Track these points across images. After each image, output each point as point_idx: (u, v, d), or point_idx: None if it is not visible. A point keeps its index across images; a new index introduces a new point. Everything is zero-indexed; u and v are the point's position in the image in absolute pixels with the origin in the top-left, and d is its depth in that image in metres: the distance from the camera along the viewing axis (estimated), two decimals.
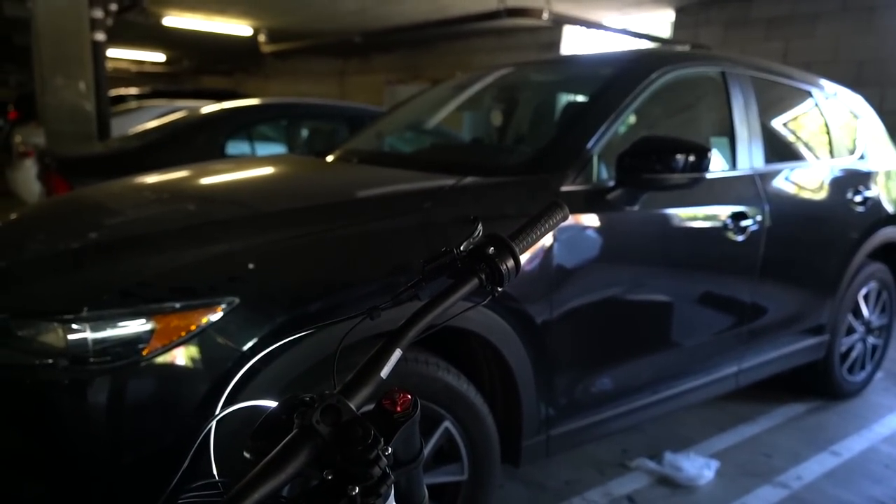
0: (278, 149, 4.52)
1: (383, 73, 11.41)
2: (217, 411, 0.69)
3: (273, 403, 0.66)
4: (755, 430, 2.80)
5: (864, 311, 3.12)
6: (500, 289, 0.77)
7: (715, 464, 2.43)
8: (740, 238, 2.30)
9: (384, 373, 0.66)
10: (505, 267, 0.75)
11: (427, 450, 1.60)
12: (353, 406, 0.62)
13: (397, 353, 0.67)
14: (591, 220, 1.87)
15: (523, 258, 1.65)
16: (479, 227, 0.82)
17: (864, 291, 3.07)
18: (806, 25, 5.60)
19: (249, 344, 1.30)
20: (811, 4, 5.55)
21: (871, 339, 3.23)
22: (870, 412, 3.08)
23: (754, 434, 2.76)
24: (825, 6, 5.47)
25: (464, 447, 1.67)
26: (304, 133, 4.86)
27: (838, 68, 5.35)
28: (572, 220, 1.82)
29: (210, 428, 0.68)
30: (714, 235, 2.24)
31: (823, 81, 3.12)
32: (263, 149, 4.35)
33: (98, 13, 5.32)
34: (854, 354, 3.14)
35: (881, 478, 2.47)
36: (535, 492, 2.24)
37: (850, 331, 3.08)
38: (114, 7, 5.60)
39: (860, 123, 3.21)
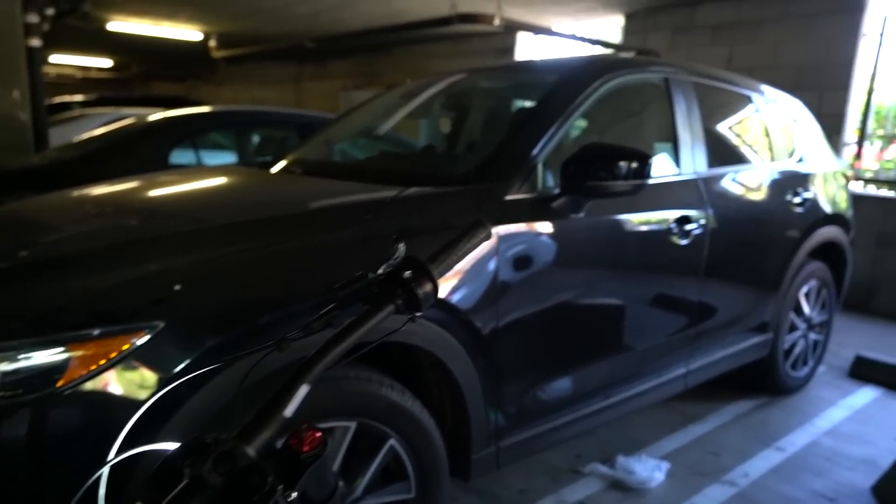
0: (227, 158, 4.41)
1: (339, 79, 11.30)
2: (110, 458, 0.65)
3: (173, 446, 0.62)
4: (704, 429, 2.86)
5: (806, 308, 3.22)
6: (418, 314, 0.74)
7: (665, 465, 2.46)
8: (685, 242, 2.34)
9: (289, 412, 0.63)
10: (422, 292, 0.72)
11: (372, 470, 1.56)
12: (251, 451, 0.58)
13: (304, 389, 0.64)
14: (536, 228, 1.87)
15: (463, 267, 1.64)
16: (401, 248, 0.79)
17: (804, 289, 3.17)
18: (749, 31, 5.78)
19: (177, 370, 1.24)
20: (754, 11, 5.73)
21: (812, 336, 3.34)
22: (812, 407, 3.18)
23: (704, 433, 2.82)
24: (767, 13, 5.66)
25: (410, 465, 1.64)
26: (255, 141, 4.75)
27: (779, 73, 5.54)
28: (518, 228, 1.81)
29: (101, 475, 0.64)
30: (659, 240, 2.27)
31: (763, 86, 3.21)
32: (211, 158, 4.23)
33: (33, 18, 5.09)
34: (797, 351, 3.24)
35: (822, 471, 2.54)
36: (488, 502, 2.23)
37: (793, 328, 3.18)
38: (51, 12, 5.36)
39: (799, 127, 3.31)
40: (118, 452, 0.66)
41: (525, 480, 2.36)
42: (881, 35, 5.16)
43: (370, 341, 0.75)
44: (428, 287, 0.73)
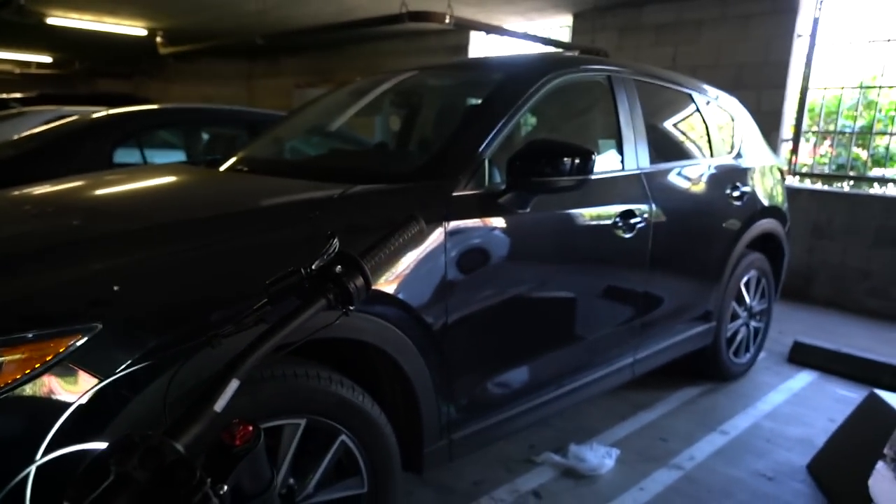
0: (175, 157, 4.29)
1: (292, 77, 11.13)
2: (38, 456, 0.64)
3: (101, 446, 0.62)
4: (653, 416, 2.96)
5: (746, 297, 3.37)
6: (350, 308, 0.75)
7: (616, 452, 2.54)
8: (629, 235, 2.41)
9: (219, 406, 0.63)
10: (353, 286, 0.74)
11: (323, 466, 1.57)
12: (180, 446, 0.59)
13: (234, 384, 0.65)
14: (484, 223, 1.90)
15: (410, 263, 1.65)
16: (335, 243, 0.80)
17: (745, 279, 3.31)
18: (691, 32, 5.98)
19: (119, 372, 1.21)
20: (694, 12, 5.93)
21: (753, 324, 3.49)
22: (754, 391, 3.33)
23: (652, 420, 2.92)
24: (707, 14, 5.86)
25: (362, 460, 1.65)
26: (205, 139, 4.64)
27: (720, 72, 5.75)
28: (466, 224, 1.84)
29: (28, 474, 0.63)
30: (604, 233, 2.34)
31: (703, 85, 3.33)
32: (158, 157, 4.12)
33: None
34: (739, 338, 3.38)
35: (764, 452, 2.67)
36: (443, 495, 2.25)
37: (735, 316, 3.32)
38: None
39: (737, 124, 3.45)
40: (45, 453, 0.65)
41: (480, 472, 2.40)
42: (813, 36, 5.42)
43: (305, 338, 0.76)
44: (359, 281, 0.74)
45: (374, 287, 0.79)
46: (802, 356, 3.76)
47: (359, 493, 1.67)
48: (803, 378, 3.55)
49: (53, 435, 0.71)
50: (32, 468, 0.64)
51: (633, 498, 2.29)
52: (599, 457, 2.48)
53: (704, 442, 2.73)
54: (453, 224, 1.80)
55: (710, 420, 2.94)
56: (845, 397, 3.25)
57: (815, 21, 5.40)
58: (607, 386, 2.57)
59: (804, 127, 5.63)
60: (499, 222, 1.94)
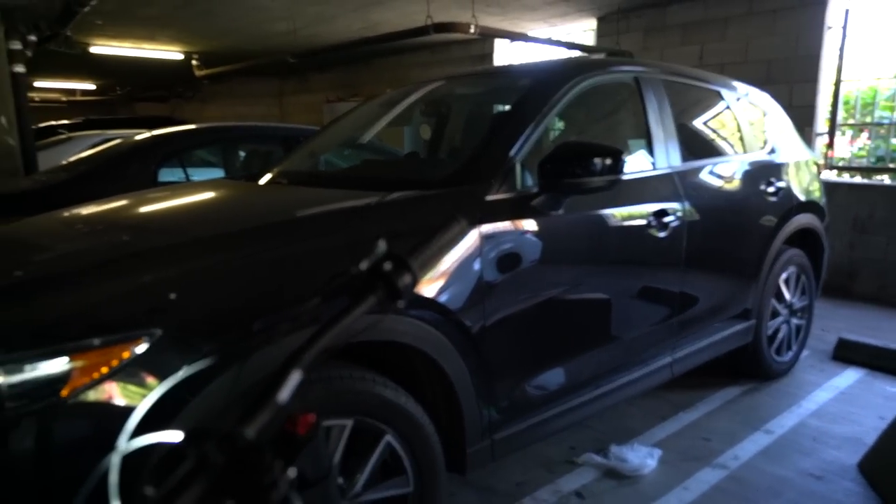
0: (214, 173, 4.45)
1: (321, 92, 11.37)
2: (119, 447, 0.70)
3: (178, 437, 0.67)
4: (694, 416, 2.93)
5: (786, 294, 3.31)
6: (399, 303, 0.80)
7: (658, 452, 2.52)
8: (663, 234, 2.41)
9: (282, 396, 0.68)
10: (401, 283, 0.78)
11: (370, 465, 1.62)
12: (249, 433, 0.64)
13: (296, 376, 0.69)
14: (517, 226, 1.93)
15: (447, 267, 1.70)
16: (381, 244, 0.85)
17: (784, 276, 3.26)
18: (717, 29, 5.92)
19: (177, 375, 1.29)
20: (720, 9, 5.87)
21: (794, 321, 3.42)
22: (799, 389, 3.26)
23: (694, 420, 2.89)
24: (733, 10, 5.79)
25: (407, 460, 1.69)
26: (241, 156, 4.80)
27: (749, 68, 5.67)
28: (500, 227, 1.88)
29: (111, 464, 0.69)
30: (637, 233, 2.35)
31: (733, 82, 3.31)
32: (198, 174, 4.28)
33: (16, 45, 5.13)
34: (780, 336, 3.32)
35: (810, 451, 2.62)
36: (486, 496, 2.28)
37: (775, 314, 3.26)
38: (33, 38, 5.40)
39: (769, 119, 3.41)
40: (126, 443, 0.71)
41: (522, 473, 2.42)
42: (844, 27, 5.30)
43: (355, 333, 0.81)
44: (407, 278, 0.79)
45: (415, 291, 0.83)
46: (847, 353, 3.67)
47: (405, 492, 1.71)
48: (850, 376, 3.46)
49: (133, 428, 0.77)
50: (117, 457, 0.70)
51: (678, 497, 2.27)
52: (641, 457, 2.47)
53: (748, 441, 2.69)
54: (487, 227, 1.84)
55: (753, 419, 2.90)
56: (895, 394, 3.17)
57: (847, 12, 5.28)
58: (646, 386, 2.56)
59: (839, 120, 5.50)
60: (532, 224, 1.97)
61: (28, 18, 5.13)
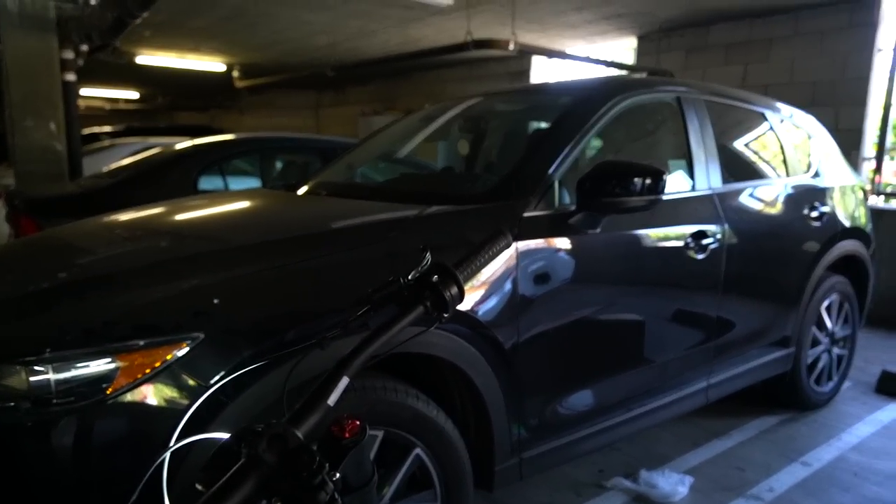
0: (252, 183, 4.55)
1: (358, 105, 11.55)
2: (171, 444, 0.72)
3: (226, 436, 0.68)
4: (729, 444, 2.85)
5: (828, 322, 3.21)
6: (445, 315, 0.80)
7: (689, 479, 2.46)
8: (701, 256, 2.37)
9: (331, 400, 0.69)
10: (448, 294, 0.79)
11: (399, 478, 1.61)
12: (300, 434, 0.65)
13: (344, 381, 0.70)
14: (554, 243, 1.92)
15: (483, 282, 1.70)
16: (428, 256, 0.86)
17: (826, 303, 3.16)
18: (762, 50, 5.84)
19: (216, 378, 1.31)
20: (765, 30, 5.79)
21: (836, 350, 3.31)
22: (839, 422, 3.15)
23: (728, 448, 2.81)
24: (778, 31, 5.71)
25: (436, 474, 1.68)
26: (278, 166, 4.90)
27: (794, 90, 5.57)
28: (536, 244, 1.87)
29: (164, 460, 0.70)
30: (675, 254, 2.31)
31: (777, 103, 3.25)
32: (237, 183, 4.37)
33: (69, 54, 5.34)
34: (820, 365, 3.22)
35: (850, 486, 2.52)
36: None
37: (815, 342, 3.16)
38: (85, 48, 5.62)
39: (814, 142, 3.34)
40: (176, 441, 0.73)
41: (548, 494, 2.38)
42: None
43: (400, 343, 0.81)
44: (454, 290, 0.79)
45: (461, 302, 0.83)
46: (892, 386, 3.53)
47: None
48: (894, 410, 3.33)
49: (181, 427, 0.79)
50: (167, 454, 0.71)
51: None
52: (672, 484, 2.41)
53: (784, 473, 2.60)
54: (524, 244, 1.83)
55: (790, 450, 2.80)
56: None
57: None
58: (679, 410, 2.51)
59: (888, 145, 5.35)
60: (569, 243, 1.96)
61: (81, 29, 5.35)
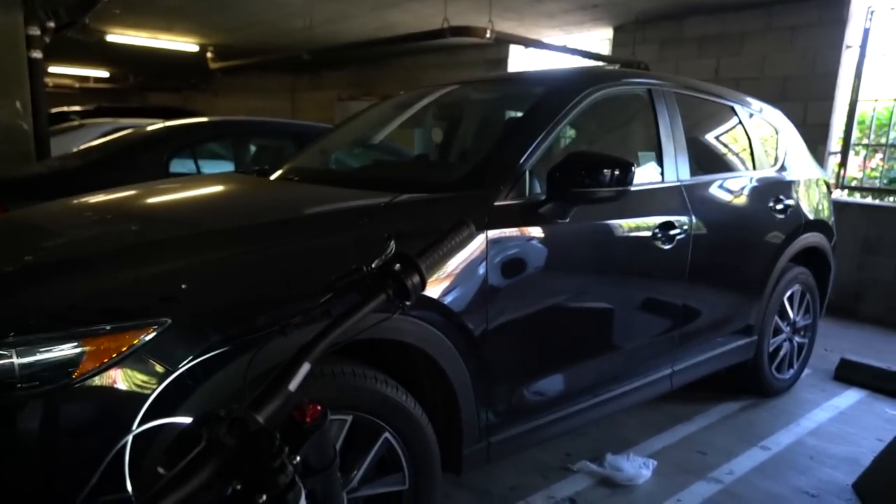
0: (225, 167, 4.49)
1: (334, 90, 11.42)
2: (133, 429, 0.73)
3: (188, 420, 0.70)
4: (692, 428, 2.94)
5: (790, 312, 3.32)
6: (407, 302, 0.82)
7: (653, 463, 2.54)
8: (668, 246, 2.43)
9: (293, 386, 0.71)
10: (410, 283, 0.81)
11: (367, 461, 1.64)
12: (260, 418, 0.66)
13: (305, 367, 0.72)
14: (524, 232, 1.95)
15: (453, 269, 1.72)
16: (392, 245, 0.87)
17: (788, 293, 3.26)
18: (734, 44, 5.92)
19: (184, 363, 1.31)
20: (738, 24, 5.87)
21: (797, 339, 3.43)
22: (798, 407, 3.26)
23: (691, 433, 2.90)
24: (751, 26, 5.80)
25: (404, 457, 1.71)
26: (252, 151, 4.84)
27: (765, 84, 5.67)
28: (507, 232, 1.90)
29: (125, 444, 0.71)
30: (643, 244, 2.36)
31: (746, 97, 3.32)
32: (209, 167, 4.32)
33: (35, 30, 5.17)
34: (781, 353, 3.33)
35: (806, 469, 2.62)
36: (480, 498, 2.30)
37: (777, 331, 3.27)
38: (52, 25, 5.45)
39: (781, 136, 3.42)
40: (139, 425, 0.74)
41: (516, 477, 2.43)
42: (862, 47, 5.30)
43: (362, 329, 0.83)
44: (416, 279, 0.81)
45: (423, 291, 0.85)
46: (849, 374, 3.66)
47: (400, 489, 1.73)
48: (850, 396, 3.46)
49: (143, 412, 0.79)
50: (129, 437, 0.72)
51: None
52: (636, 467, 2.49)
53: (744, 457, 2.70)
54: (495, 232, 1.86)
55: (750, 435, 2.90)
56: (895, 417, 3.16)
57: (866, 32, 5.29)
58: (644, 396, 2.58)
59: (853, 139, 5.50)
60: (539, 232, 1.99)
61: (48, 5, 5.18)
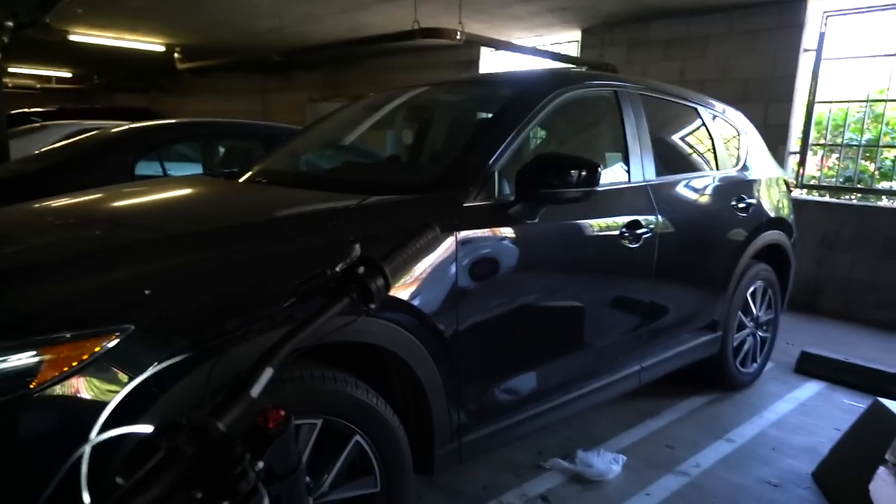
0: (192, 169, 4.42)
1: (305, 91, 11.32)
2: (91, 438, 0.72)
3: (148, 429, 0.69)
4: (660, 423, 3.00)
5: (753, 307, 3.41)
6: (372, 305, 0.83)
7: (622, 458, 2.58)
8: (635, 245, 2.47)
9: (255, 391, 0.71)
10: (374, 286, 0.81)
11: (338, 465, 1.63)
12: (221, 426, 0.66)
13: (268, 372, 0.72)
14: (493, 233, 1.97)
15: (422, 271, 1.73)
16: (357, 248, 0.88)
17: (751, 289, 3.35)
18: (698, 47, 6.06)
19: (148, 371, 1.29)
20: (702, 28, 6.01)
21: (760, 334, 3.52)
22: (761, 400, 3.35)
23: (659, 427, 2.96)
24: (714, 29, 5.94)
25: (375, 460, 1.71)
26: (220, 153, 4.77)
27: (727, 86, 5.81)
28: (476, 233, 1.91)
29: (82, 455, 0.70)
30: (610, 243, 2.40)
31: (709, 99, 3.40)
32: (177, 170, 4.24)
33: None
34: (745, 348, 3.42)
35: (768, 459, 2.70)
36: (453, 498, 2.31)
37: (741, 326, 3.35)
38: (10, 24, 5.30)
39: (742, 137, 3.51)
40: (98, 434, 0.73)
41: (489, 476, 2.45)
42: (818, 51, 5.47)
43: (327, 333, 0.83)
44: (380, 282, 0.82)
45: (387, 294, 0.86)
46: (809, 366, 3.78)
47: (371, 492, 1.73)
48: (810, 388, 3.57)
49: (103, 421, 0.79)
50: (87, 447, 0.72)
51: (641, 502, 2.33)
52: (606, 463, 2.53)
53: (710, 450, 2.76)
54: (464, 234, 1.87)
55: (716, 428, 2.97)
56: (852, 407, 3.27)
57: (822, 35, 5.46)
58: (614, 393, 2.62)
59: (811, 140, 5.67)
60: (508, 232, 2.01)
61: (6, 4, 5.04)
